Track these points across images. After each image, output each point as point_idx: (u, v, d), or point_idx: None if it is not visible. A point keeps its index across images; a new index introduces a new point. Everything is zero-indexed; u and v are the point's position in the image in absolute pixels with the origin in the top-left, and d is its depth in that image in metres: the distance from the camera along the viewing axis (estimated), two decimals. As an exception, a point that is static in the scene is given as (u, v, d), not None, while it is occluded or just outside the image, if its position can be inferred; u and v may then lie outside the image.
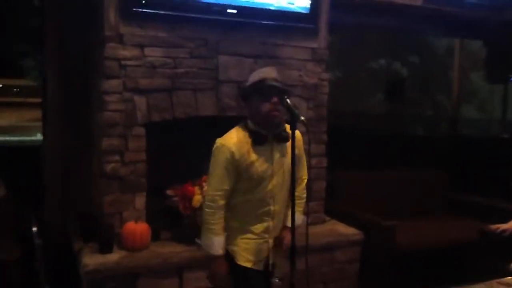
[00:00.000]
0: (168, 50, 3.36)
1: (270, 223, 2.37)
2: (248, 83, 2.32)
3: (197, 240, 2.38)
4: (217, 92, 3.51)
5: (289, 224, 2.30)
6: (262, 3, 3.53)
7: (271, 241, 2.42)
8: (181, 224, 3.37)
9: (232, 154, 2.22)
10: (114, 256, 3.11)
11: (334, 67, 11.26)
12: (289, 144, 2.22)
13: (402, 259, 3.85)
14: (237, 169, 2.25)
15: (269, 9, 3.55)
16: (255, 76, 2.29)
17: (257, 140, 2.26)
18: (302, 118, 2.09)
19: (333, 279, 3.72)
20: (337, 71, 11.17)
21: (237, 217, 2.35)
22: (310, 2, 3.67)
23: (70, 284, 3.29)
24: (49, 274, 3.50)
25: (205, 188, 3.33)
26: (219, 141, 2.28)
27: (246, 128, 2.30)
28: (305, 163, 2.51)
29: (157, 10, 3.28)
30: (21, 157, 4.34)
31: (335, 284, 3.73)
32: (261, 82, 2.23)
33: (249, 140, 2.26)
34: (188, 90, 3.44)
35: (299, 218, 2.47)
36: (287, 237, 2.35)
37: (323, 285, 3.69)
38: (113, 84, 3.23)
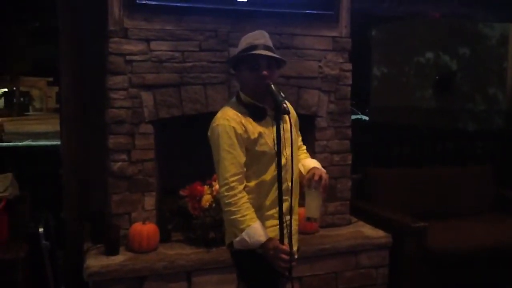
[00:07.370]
0: (175, 44, 3.22)
1: (292, 202, 2.03)
2: (236, 52, 2.08)
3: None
4: (229, 86, 3.33)
5: (313, 165, 2.15)
6: (274, -10, 3.32)
7: (294, 223, 2.09)
8: (191, 225, 3.22)
9: (233, 129, 1.94)
10: (119, 258, 3.00)
11: (381, 63, 10.88)
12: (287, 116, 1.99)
13: (438, 264, 3.52)
14: (245, 145, 1.97)
15: (282, -4, 3.34)
16: (242, 43, 2.04)
17: (256, 115, 2.01)
18: (285, 105, 1.87)
19: (358, 285, 3.44)
20: (384, 67, 10.76)
21: (254, 204, 2.00)
22: (327, -14, 3.43)
23: (85, 285, 3.22)
24: (62, 275, 3.46)
25: (215, 186, 3.17)
26: (213, 122, 2.01)
27: (239, 102, 2.04)
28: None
29: (163, 1, 3.15)
30: (45, 160, 4.36)
31: (361, 290, 3.46)
32: (248, 49, 1.97)
33: (247, 114, 2.00)
34: (198, 85, 3.29)
35: (312, 161, 2.23)
36: (319, 171, 2.06)
37: (347, 291, 3.43)
38: (118, 80, 3.14)
